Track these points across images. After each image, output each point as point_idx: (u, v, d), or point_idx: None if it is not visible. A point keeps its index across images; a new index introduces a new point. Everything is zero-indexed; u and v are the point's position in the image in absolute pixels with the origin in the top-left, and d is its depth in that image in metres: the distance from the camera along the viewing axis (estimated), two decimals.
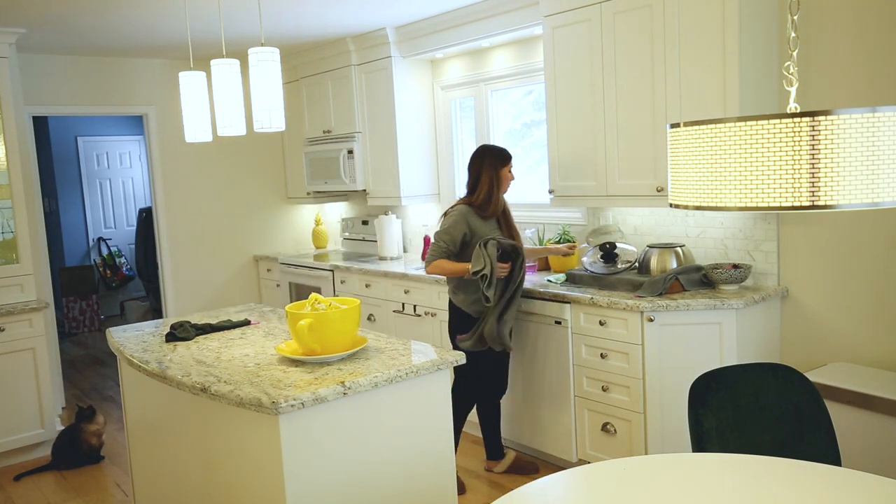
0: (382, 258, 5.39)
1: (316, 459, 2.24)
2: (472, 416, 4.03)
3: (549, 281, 3.98)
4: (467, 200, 3.67)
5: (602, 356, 3.54)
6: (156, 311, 7.86)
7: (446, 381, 2.56)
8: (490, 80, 4.90)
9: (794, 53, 1.59)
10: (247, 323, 3.26)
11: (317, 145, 5.80)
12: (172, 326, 3.11)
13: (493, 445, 3.90)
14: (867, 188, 1.35)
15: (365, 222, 5.91)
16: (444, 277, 3.92)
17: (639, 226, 4.06)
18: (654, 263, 3.61)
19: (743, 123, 1.40)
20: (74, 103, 5.47)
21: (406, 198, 5.21)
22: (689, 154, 1.51)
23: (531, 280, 4.08)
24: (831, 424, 2.19)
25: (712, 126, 1.45)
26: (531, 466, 3.87)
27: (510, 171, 3.69)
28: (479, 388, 3.78)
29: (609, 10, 3.64)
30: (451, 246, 3.60)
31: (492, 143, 4.90)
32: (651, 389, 3.37)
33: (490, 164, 3.64)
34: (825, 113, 1.34)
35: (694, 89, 3.34)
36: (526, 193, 4.79)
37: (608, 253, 3.80)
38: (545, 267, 4.42)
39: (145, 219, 7.96)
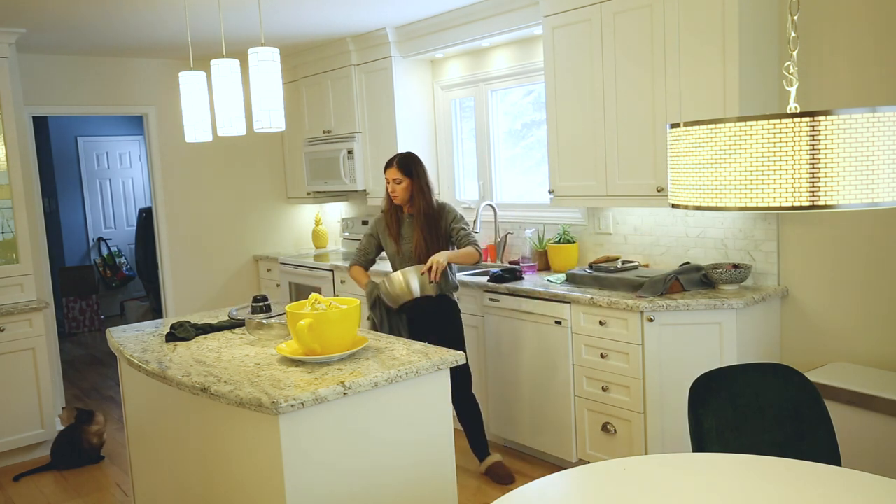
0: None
1: (316, 459, 2.24)
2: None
3: (549, 281, 3.98)
4: None
5: (602, 356, 3.54)
6: (156, 311, 7.86)
7: (446, 380, 2.56)
8: (490, 80, 4.89)
9: (794, 53, 1.59)
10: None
11: (317, 145, 5.80)
12: (172, 326, 3.11)
13: (476, 444, 3.82)
14: (867, 188, 1.35)
15: (365, 222, 5.90)
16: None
17: (639, 226, 4.05)
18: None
19: (743, 123, 1.40)
20: (74, 103, 5.47)
21: None
22: (689, 154, 1.51)
23: (531, 280, 4.08)
24: (831, 424, 2.19)
25: (712, 126, 1.45)
26: (507, 477, 3.75)
27: (388, 179, 3.90)
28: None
29: (609, 10, 3.63)
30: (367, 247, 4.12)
31: (490, 142, 4.92)
32: (651, 389, 3.37)
33: None
34: (825, 113, 1.34)
35: (694, 89, 3.34)
36: (526, 193, 4.79)
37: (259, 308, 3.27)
38: (545, 267, 4.41)
39: (145, 219, 7.96)
